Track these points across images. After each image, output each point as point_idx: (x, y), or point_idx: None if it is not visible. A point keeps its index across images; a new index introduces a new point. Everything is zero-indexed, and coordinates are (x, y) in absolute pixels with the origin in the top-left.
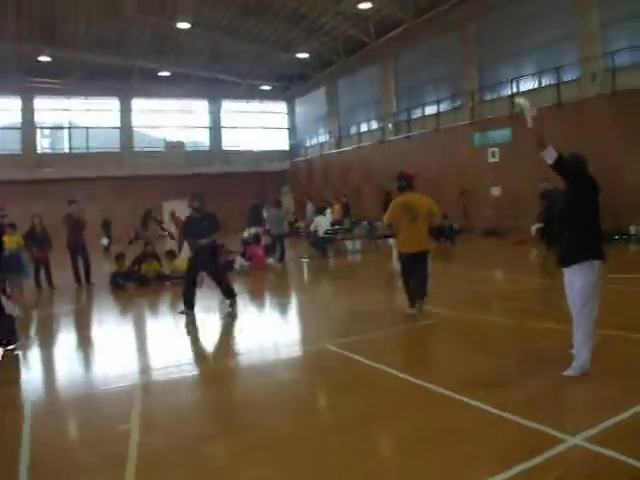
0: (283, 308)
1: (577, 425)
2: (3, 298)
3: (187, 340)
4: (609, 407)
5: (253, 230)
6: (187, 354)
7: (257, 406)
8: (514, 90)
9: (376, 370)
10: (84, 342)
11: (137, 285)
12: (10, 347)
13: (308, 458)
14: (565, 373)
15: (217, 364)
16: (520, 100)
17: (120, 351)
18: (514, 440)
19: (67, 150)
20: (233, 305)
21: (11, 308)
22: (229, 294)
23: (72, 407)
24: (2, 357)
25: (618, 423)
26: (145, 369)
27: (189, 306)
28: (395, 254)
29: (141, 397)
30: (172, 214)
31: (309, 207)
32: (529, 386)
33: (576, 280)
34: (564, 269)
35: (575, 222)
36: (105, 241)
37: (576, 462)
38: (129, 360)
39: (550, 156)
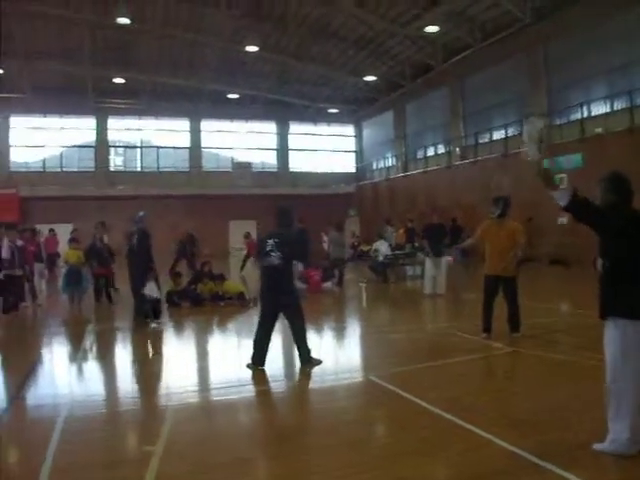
0: (332, 334)
1: None
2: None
3: (233, 362)
4: None
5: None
6: (230, 377)
7: (283, 437)
8: (584, 114)
9: (414, 406)
10: (132, 357)
11: (192, 304)
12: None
13: None
14: (595, 446)
15: (256, 388)
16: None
17: (164, 369)
18: None
19: (138, 168)
20: None
21: (152, 290)
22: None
23: (103, 424)
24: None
25: None
26: (184, 390)
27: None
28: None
29: (173, 418)
30: (247, 235)
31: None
32: (574, 434)
33: (606, 337)
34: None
35: (606, 268)
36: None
37: None
38: (170, 379)
39: (562, 198)
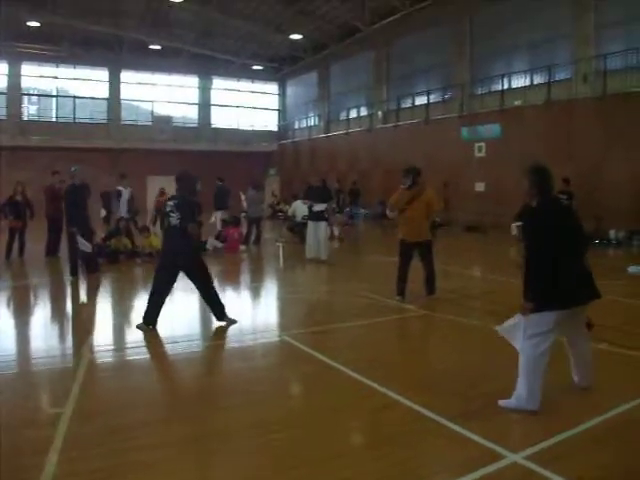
0: (247, 294)
1: (521, 442)
2: (79, 237)
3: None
4: (558, 424)
5: (219, 214)
6: (140, 336)
7: (195, 397)
8: (505, 86)
9: (325, 366)
10: (41, 316)
11: (107, 260)
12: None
13: (235, 455)
14: (500, 402)
15: (167, 349)
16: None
17: (77, 328)
18: (453, 452)
19: (54, 119)
20: None
21: (84, 245)
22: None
23: (12, 384)
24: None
25: (563, 441)
26: (95, 348)
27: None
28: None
29: (83, 379)
30: (161, 192)
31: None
32: (480, 395)
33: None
34: None
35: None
36: (103, 212)
37: None
38: (82, 338)
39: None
